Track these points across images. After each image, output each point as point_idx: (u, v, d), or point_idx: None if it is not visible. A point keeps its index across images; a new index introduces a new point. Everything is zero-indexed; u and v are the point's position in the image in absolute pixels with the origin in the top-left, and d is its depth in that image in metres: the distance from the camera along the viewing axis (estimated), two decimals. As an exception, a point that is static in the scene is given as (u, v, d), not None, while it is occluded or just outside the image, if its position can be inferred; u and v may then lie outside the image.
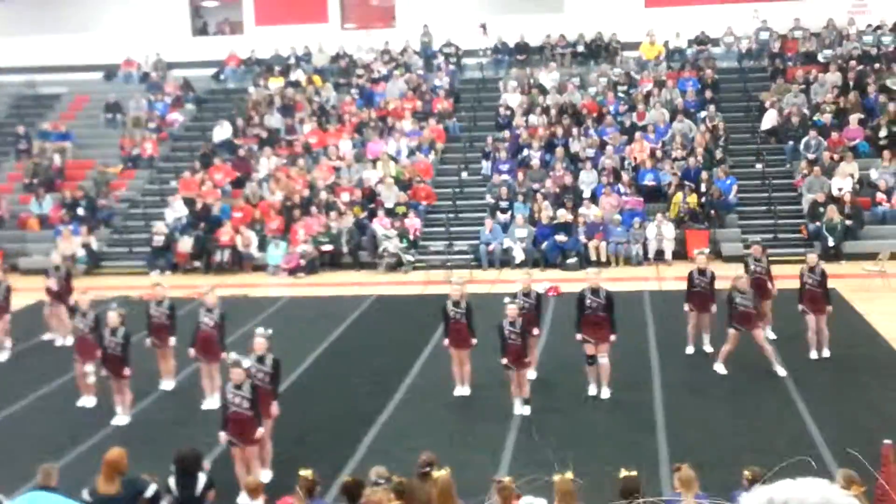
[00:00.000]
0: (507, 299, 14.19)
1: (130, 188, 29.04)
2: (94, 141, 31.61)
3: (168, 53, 33.77)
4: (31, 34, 33.71)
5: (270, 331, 12.26)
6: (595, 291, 14.26)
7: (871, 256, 21.77)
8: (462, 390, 14.45)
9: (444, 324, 14.55)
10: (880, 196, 24.63)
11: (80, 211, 27.13)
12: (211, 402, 14.13)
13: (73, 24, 33.77)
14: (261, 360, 11.97)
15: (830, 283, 20.38)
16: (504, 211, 25.50)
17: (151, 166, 29.68)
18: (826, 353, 15.68)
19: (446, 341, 14.39)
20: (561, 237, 24.18)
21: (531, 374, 14.33)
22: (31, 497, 2.19)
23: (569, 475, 8.57)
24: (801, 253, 22.95)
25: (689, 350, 16.16)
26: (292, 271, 24.54)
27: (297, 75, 32.27)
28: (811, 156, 25.76)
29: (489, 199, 26.09)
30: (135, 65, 34.04)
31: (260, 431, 11.36)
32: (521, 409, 13.53)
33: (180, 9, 34.82)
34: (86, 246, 25.81)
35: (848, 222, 23.64)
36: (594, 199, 25.35)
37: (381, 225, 25.21)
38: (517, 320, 13.43)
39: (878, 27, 30.55)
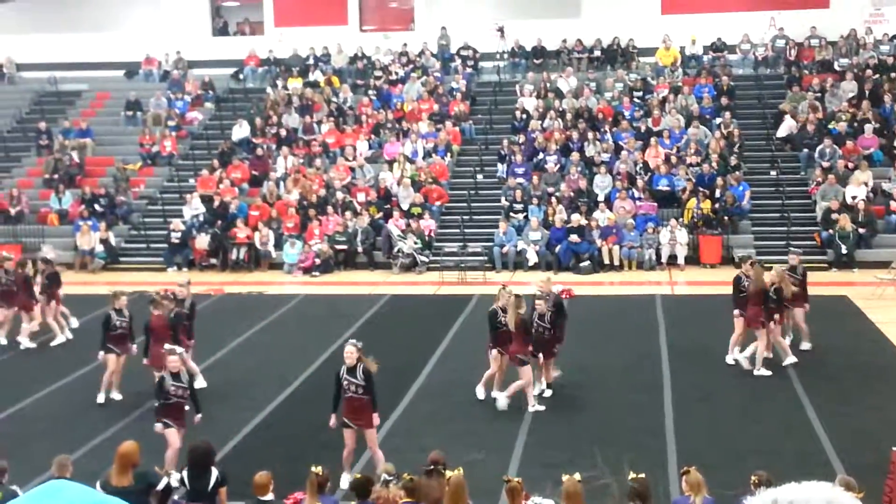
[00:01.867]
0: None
1: (149, 185, 29.29)
2: (114, 138, 31.89)
3: (188, 52, 34.05)
4: (54, 32, 34.04)
5: (361, 343, 11.74)
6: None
7: (884, 265, 21.79)
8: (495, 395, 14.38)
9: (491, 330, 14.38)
10: (894, 205, 24.65)
11: (99, 207, 27.40)
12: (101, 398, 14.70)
13: (95, 23, 34.08)
14: (352, 371, 11.49)
15: (842, 292, 20.63)
16: (518, 213, 25.62)
17: (170, 164, 29.92)
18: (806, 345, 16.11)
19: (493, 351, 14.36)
20: (574, 237, 24.24)
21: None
22: (52, 485, 2.29)
23: (577, 476, 8.69)
24: (814, 261, 23.15)
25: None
26: (308, 270, 24.73)
27: (316, 76, 32.49)
28: (826, 164, 25.80)
29: (504, 202, 26.23)
30: (155, 63, 34.34)
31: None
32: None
33: (201, 9, 35.10)
34: (104, 241, 26.09)
35: (861, 230, 23.68)
36: (608, 203, 25.46)
37: (396, 225, 25.38)
38: (546, 314, 14.12)
39: (895, 37, 30.53)
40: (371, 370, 11.50)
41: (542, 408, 13.89)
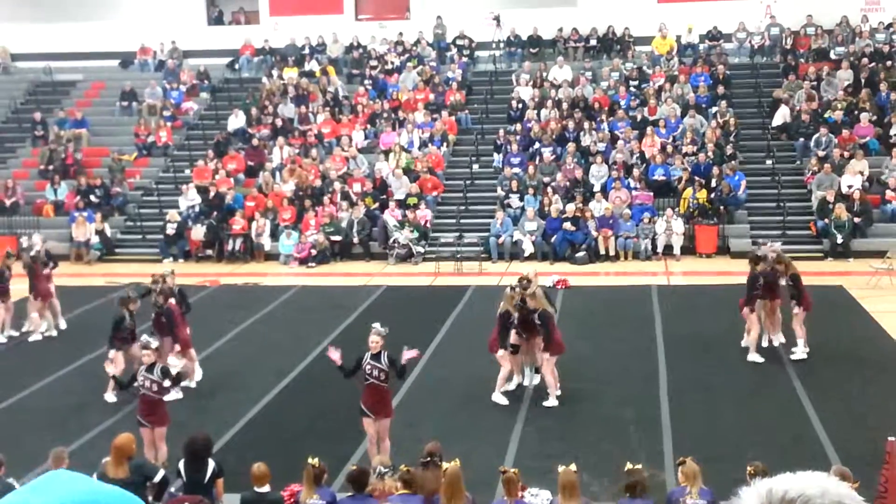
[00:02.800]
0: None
1: (145, 176, 29.24)
2: (110, 128, 31.83)
3: (183, 42, 33.96)
4: (49, 21, 33.93)
5: (386, 329, 11.72)
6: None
7: (880, 254, 21.78)
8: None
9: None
10: (890, 194, 24.65)
11: (95, 198, 27.36)
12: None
13: (90, 12, 33.95)
14: (377, 357, 11.45)
15: (838, 281, 20.65)
16: (515, 204, 25.59)
17: (166, 154, 29.88)
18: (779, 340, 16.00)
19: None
20: (568, 225, 24.22)
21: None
22: (51, 475, 2.30)
23: (573, 467, 8.72)
24: (810, 250, 23.16)
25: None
26: (303, 261, 24.72)
27: (312, 66, 32.42)
28: (821, 153, 25.79)
29: (500, 192, 26.22)
30: (150, 53, 34.24)
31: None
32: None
33: (196, -2, 35.02)
34: (100, 232, 26.05)
35: (857, 220, 23.69)
36: (604, 193, 25.45)
37: (392, 216, 25.36)
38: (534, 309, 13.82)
39: (891, 25, 30.51)
40: (395, 357, 11.52)
41: (507, 402, 13.85)
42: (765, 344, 15.99)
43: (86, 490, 2.34)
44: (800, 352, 15.42)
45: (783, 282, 15.54)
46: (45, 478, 2.35)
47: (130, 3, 34.59)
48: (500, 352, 13.88)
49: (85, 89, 33.66)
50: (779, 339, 16.06)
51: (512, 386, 14.27)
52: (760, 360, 15.30)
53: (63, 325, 18.70)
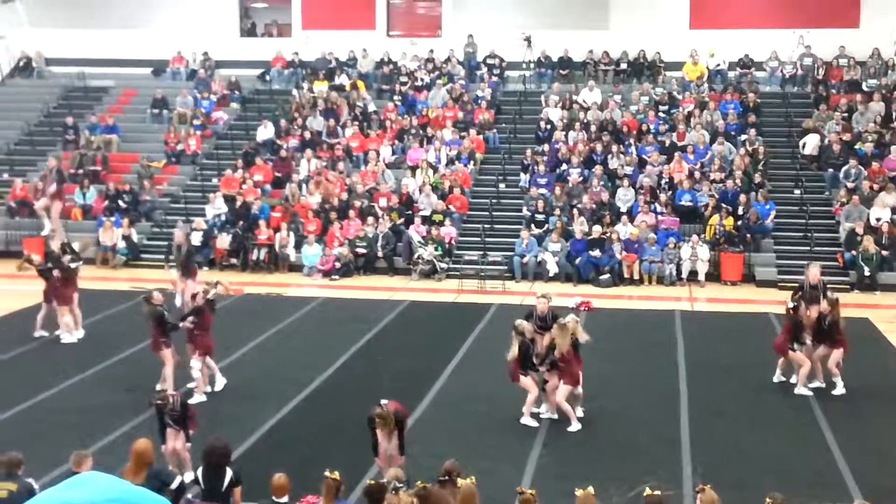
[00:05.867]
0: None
1: (172, 183, 29.41)
2: (140, 135, 32.07)
3: (216, 52, 34.23)
4: (83, 28, 34.32)
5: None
6: (543, 318, 14.44)
7: (907, 288, 21.66)
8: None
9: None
10: (919, 228, 24.44)
11: (123, 203, 27.52)
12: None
13: (124, 20, 34.32)
14: None
15: (864, 314, 20.44)
16: (540, 224, 25.54)
17: (194, 162, 30.06)
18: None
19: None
20: (595, 252, 24.18)
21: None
22: (82, 476, 2.33)
23: (591, 489, 8.65)
24: (836, 282, 22.96)
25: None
26: (327, 273, 24.77)
27: (342, 80, 32.57)
28: (851, 184, 25.64)
29: (526, 212, 26.19)
30: (183, 62, 34.51)
31: None
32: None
33: (230, 9, 35.27)
34: (126, 238, 26.21)
35: (884, 252, 23.51)
36: (630, 216, 25.37)
37: (416, 232, 25.39)
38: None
39: (923, 57, 30.34)
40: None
41: (536, 424, 13.80)
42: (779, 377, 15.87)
43: (121, 489, 2.38)
44: (839, 388, 15.28)
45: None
46: (81, 477, 2.38)
47: (165, 13, 34.88)
48: (523, 379, 13.82)
49: (117, 96, 33.96)
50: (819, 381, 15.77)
51: (541, 410, 14.19)
52: (809, 392, 15.13)
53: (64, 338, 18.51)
